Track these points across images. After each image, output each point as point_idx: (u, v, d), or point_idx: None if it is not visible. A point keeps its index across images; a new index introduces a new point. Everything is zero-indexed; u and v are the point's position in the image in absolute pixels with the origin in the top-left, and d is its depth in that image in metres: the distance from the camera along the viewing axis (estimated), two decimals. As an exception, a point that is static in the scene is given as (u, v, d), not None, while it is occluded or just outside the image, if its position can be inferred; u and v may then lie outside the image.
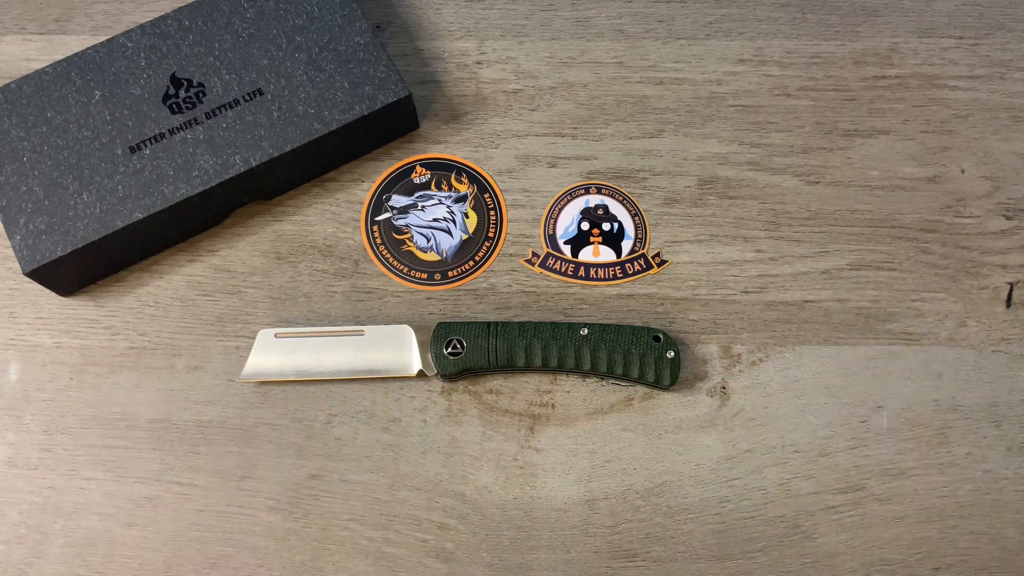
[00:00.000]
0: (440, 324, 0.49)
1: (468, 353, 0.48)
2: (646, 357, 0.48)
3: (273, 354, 0.49)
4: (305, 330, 0.50)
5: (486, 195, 0.55)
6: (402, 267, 0.53)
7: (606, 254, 0.53)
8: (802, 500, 0.47)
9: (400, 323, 0.51)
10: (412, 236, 0.54)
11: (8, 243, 0.53)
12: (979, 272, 0.52)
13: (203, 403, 0.50)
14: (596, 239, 0.53)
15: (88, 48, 0.52)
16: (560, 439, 0.49)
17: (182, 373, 0.50)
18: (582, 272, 0.53)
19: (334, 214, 0.54)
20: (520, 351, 0.48)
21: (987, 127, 0.56)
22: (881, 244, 0.53)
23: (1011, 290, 0.52)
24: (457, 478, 0.48)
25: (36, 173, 0.50)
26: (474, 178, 0.55)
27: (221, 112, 0.51)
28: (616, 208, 0.54)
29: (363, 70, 0.52)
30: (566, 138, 0.56)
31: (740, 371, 0.50)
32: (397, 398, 0.50)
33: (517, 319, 0.51)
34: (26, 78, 0.52)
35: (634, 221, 0.54)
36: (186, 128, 0.51)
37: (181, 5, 0.55)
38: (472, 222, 0.54)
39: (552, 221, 0.54)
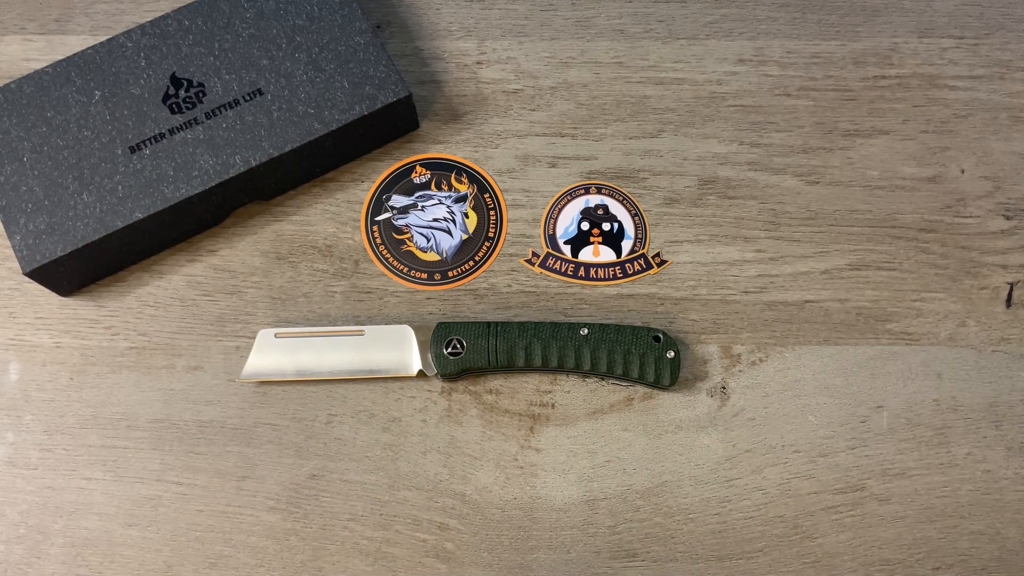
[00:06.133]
0: (440, 324, 0.49)
1: (468, 353, 0.48)
2: (646, 357, 0.48)
3: (273, 354, 0.49)
4: (305, 330, 0.50)
5: (486, 195, 0.55)
6: (402, 267, 0.53)
7: (606, 254, 0.53)
8: (802, 500, 0.47)
9: (400, 323, 0.51)
10: (412, 236, 0.54)
11: (8, 243, 0.53)
12: (979, 272, 0.52)
13: (203, 403, 0.50)
14: (596, 239, 0.53)
15: (88, 48, 0.52)
16: (560, 439, 0.49)
17: (182, 373, 0.50)
18: (582, 272, 0.53)
19: (334, 214, 0.54)
20: (520, 351, 0.48)
21: (987, 127, 0.56)
22: (881, 244, 0.53)
23: (1011, 290, 0.52)
24: (457, 478, 0.48)
25: (36, 173, 0.50)
26: (474, 178, 0.55)
27: (221, 112, 0.51)
28: (616, 208, 0.54)
29: (363, 70, 0.52)
30: (566, 138, 0.56)
31: (740, 371, 0.50)
32: (397, 398, 0.50)
33: (517, 319, 0.51)
34: (26, 78, 0.52)
35: (634, 221, 0.54)
36: (186, 128, 0.51)
37: (181, 5, 0.55)
38: (472, 222, 0.54)
39: (552, 221, 0.54)
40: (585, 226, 0.54)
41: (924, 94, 0.57)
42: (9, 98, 0.51)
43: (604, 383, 0.50)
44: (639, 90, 0.57)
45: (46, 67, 0.52)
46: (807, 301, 0.52)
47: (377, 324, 0.51)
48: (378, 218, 0.54)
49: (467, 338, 0.48)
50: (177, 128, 0.51)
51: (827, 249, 0.53)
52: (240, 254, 0.53)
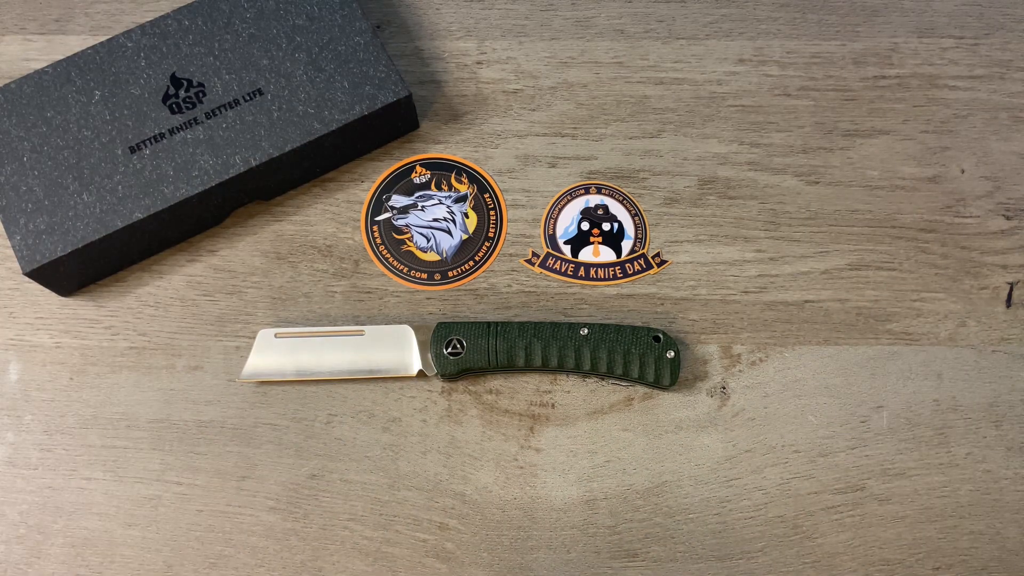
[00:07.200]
0: (440, 324, 0.49)
1: (468, 353, 0.48)
2: (646, 357, 0.48)
3: (273, 354, 0.49)
4: (305, 330, 0.50)
5: (486, 195, 0.55)
6: (402, 267, 0.53)
7: (606, 254, 0.53)
8: (802, 500, 0.47)
9: (400, 323, 0.51)
10: (412, 236, 0.54)
11: (8, 243, 0.53)
12: (979, 272, 0.52)
13: (203, 403, 0.50)
14: (596, 239, 0.53)
15: (88, 48, 0.52)
16: (560, 439, 0.49)
17: (182, 373, 0.50)
18: (582, 272, 0.53)
19: (334, 214, 0.54)
20: (520, 351, 0.48)
21: (987, 127, 0.56)
22: (881, 244, 0.53)
23: (1011, 290, 0.52)
24: (457, 478, 0.48)
25: (36, 173, 0.50)
26: (474, 178, 0.55)
27: (221, 112, 0.51)
28: (616, 208, 0.54)
29: (363, 70, 0.52)
30: (566, 138, 0.56)
31: (740, 371, 0.50)
32: (397, 398, 0.50)
33: (517, 319, 0.51)
34: (26, 78, 0.52)
35: (634, 221, 0.54)
36: (186, 128, 0.51)
37: (181, 5, 0.55)
38: (472, 222, 0.54)
39: (552, 221, 0.54)
40: (585, 226, 0.54)
41: (924, 94, 0.57)
42: (9, 98, 0.51)
43: (604, 383, 0.50)
44: (639, 90, 0.57)
45: (46, 67, 0.52)
46: (807, 301, 0.52)
47: (377, 324, 0.51)
48: (378, 218, 0.54)
49: (467, 338, 0.48)
50: (177, 128, 0.51)
51: (827, 249, 0.53)
52: (240, 254, 0.53)
